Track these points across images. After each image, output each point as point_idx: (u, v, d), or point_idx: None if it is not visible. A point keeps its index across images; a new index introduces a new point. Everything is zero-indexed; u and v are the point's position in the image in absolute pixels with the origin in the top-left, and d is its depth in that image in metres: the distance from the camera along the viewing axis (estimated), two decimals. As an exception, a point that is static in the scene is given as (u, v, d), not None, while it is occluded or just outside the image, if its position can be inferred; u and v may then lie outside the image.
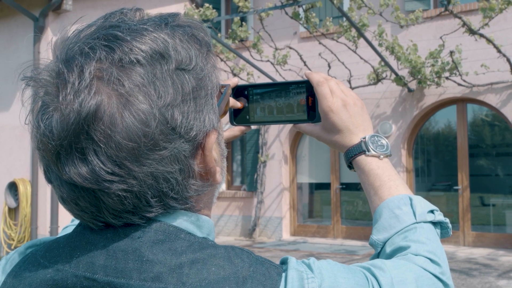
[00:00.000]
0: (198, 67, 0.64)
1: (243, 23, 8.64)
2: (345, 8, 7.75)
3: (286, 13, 7.73)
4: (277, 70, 9.54)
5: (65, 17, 8.97)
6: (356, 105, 0.93)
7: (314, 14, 7.89)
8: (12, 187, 8.93)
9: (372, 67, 8.89)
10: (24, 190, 8.72)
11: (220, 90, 0.71)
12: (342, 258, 8.27)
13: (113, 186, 0.59)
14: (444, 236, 0.87)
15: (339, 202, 10.41)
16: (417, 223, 0.82)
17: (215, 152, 0.67)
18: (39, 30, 8.70)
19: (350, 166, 0.94)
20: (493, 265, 7.64)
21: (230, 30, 8.79)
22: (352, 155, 0.92)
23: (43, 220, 8.70)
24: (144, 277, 0.59)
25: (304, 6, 7.59)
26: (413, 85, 9.37)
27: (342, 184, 10.40)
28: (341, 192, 10.41)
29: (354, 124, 0.92)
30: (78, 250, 0.63)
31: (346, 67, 9.15)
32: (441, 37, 8.16)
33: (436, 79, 8.79)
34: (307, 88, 0.95)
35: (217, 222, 11.42)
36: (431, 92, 9.36)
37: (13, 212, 9.03)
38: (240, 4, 7.85)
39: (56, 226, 8.56)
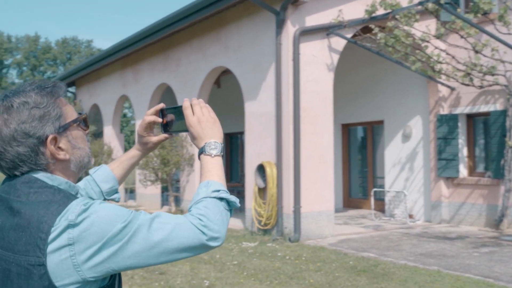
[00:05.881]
0: (46, 106, 1.33)
1: (487, -7, 7.95)
2: None
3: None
4: (528, 42, 8.57)
5: (303, 8, 9.44)
6: (208, 121, 1.52)
7: None
8: (261, 169, 9.74)
9: None
10: (271, 172, 9.42)
11: (78, 117, 1.41)
12: None
13: (2, 156, 1.32)
14: (234, 206, 1.39)
15: None
16: (204, 198, 1.36)
17: (65, 144, 1.36)
18: (279, 23, 9.33)
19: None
20: None
21: (471, 4, 8.19)
22: (199, 153, 1.50)
23: (287, 201, 9.27)
24: (14, 194, 1.29)
25: None
26: None
27: None
28: None
29: (204, 134, 1.51)
30: None
31: None
32: None
33: None
34: (181, 110, 1.58)
35: (458, 210, 10.80)
36: None
37: (262, 191, 9.86)
38: (485, -29, 7.25)
39: (298, 206, 9.06)
